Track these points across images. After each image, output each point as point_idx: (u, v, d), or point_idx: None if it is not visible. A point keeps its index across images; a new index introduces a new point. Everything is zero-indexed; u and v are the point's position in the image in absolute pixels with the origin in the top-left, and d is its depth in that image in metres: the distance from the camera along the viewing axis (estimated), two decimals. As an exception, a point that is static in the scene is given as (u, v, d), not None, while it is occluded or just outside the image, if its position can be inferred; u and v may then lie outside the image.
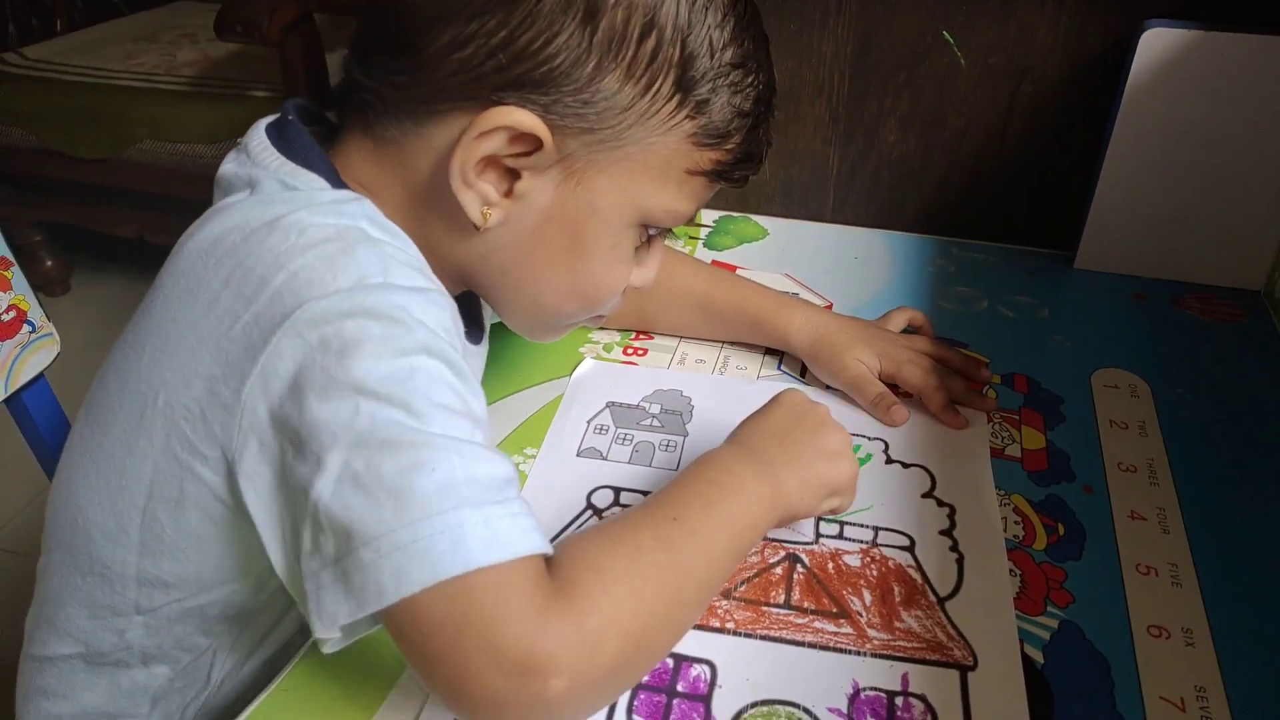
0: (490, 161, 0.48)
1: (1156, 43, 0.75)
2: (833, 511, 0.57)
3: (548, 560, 0.42)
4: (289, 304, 0.42)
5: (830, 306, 0.78)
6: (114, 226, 1.83)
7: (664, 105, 0.48)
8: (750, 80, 0.50)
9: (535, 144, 0.47)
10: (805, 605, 0.53)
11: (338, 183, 0.49)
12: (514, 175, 0.49)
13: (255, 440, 0.43)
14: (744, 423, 0.57)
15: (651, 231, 0.54)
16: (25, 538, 1.45)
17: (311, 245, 0.44)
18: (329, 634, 0.40)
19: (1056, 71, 0.82)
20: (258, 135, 0.50)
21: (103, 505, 0.49)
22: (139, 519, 0.49)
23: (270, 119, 0.52)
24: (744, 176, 0.54)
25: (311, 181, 0.48)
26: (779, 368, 0.73)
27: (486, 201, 0.49)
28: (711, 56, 0.48)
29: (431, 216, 0.51)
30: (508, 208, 0.50)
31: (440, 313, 0.45)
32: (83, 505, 0.50)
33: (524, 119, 0.46)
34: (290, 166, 0.49)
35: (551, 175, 0.49)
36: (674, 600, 0.45)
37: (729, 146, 0.51)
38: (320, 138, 0.52)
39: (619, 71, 0.47)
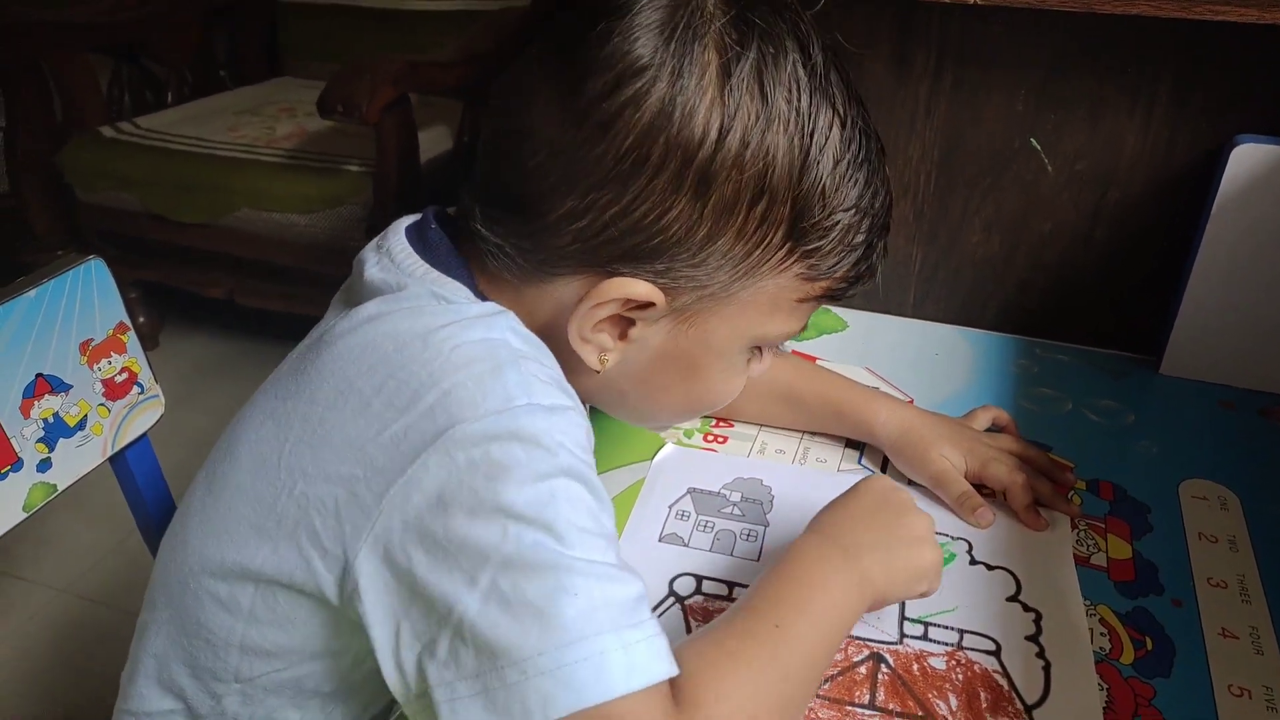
0: (606, 319, 0.51)
1: (1247, 157, 0.76)
2: (921, 596, 0.57)
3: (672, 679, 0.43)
4: (441, 423, 0.44)
5: (911, 402, 0.79)
6: (206, 288, 1.91)
7: (775, 254, 0.50)
8: (863, 216, 0.51)
9: (650, 304, 0.50)
10: (890, 707, 0.53)
11: (476, 292, 0.52)
12: (629, 322, 0.52)
13: (383, 546, 0.45)
14: (826, 509, 0.57)
15: (768, 350, 0.58)
16: (100, 585, 1.49)
17: (463, 365, 0.46)
18: None
19: (1144, 180, 0.83)
20: (398, 237, 0.53)
21: (218, 575, 0.51)
22: (252, 590, 0.50)
23: (411, 220, 0.55)
24: (857, 292, 0.55)
25: (459, 292, 0.51)
26: (859, 461, 0.74)
27: (603, 349, 0.52)
28: (824, 205, 0.49)
29: (550, 346, 0.53)
30: (624, 350, 0.53)
31: (578, 431, 0.47)
32: (196, 571, 0.52)
33: (639, 289, 0.49)
34: (436, 275, 0.51)
35: (665, 323, 0.52)
36: (784, 709, 0.47)
37: (838, 275, 0.53)
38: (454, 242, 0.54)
39: (730, 234, 0.49)
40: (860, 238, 0.52)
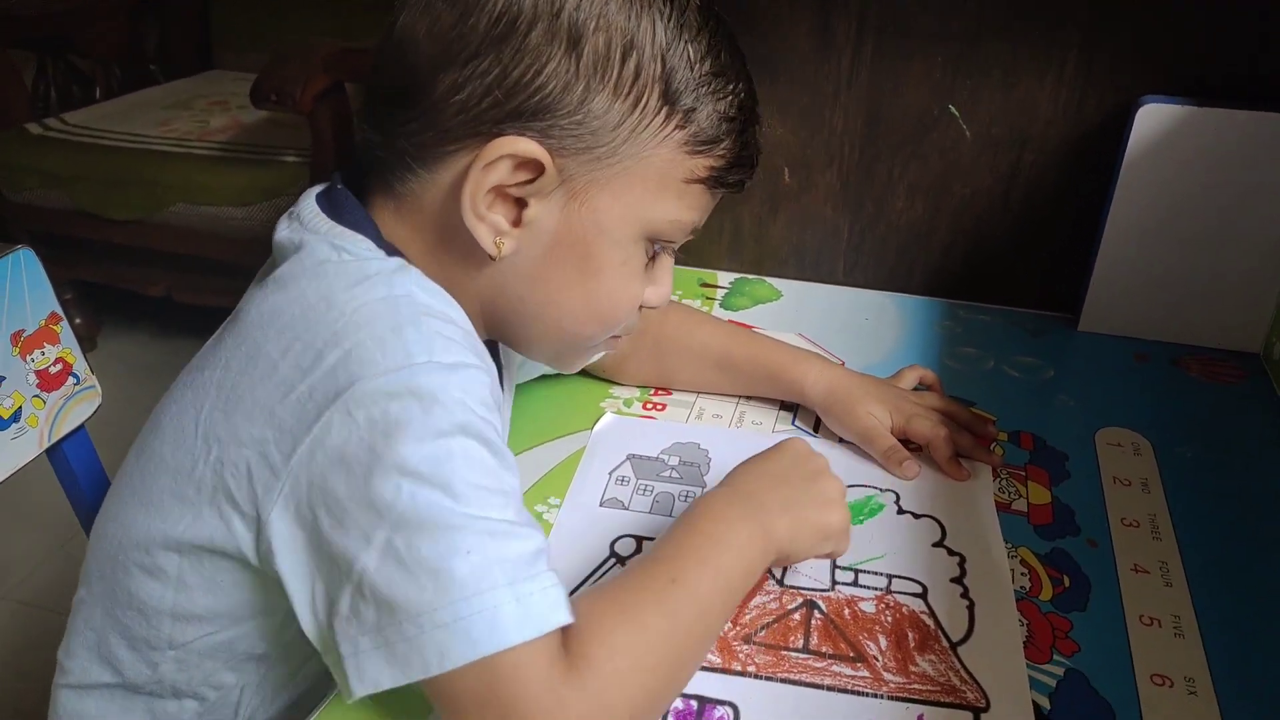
0: (498, 193, 0.51)
1: (1151, 118, 0.79)
2: (828, 556, 0.59)
3: (564, 628, 0.45)
4: (342, 382, 0.46)
5: (843, 364, 0.81)
6: (144, 286, 1.88)
7: (653, 118, 0.51)
8: (731, 88, 0.53)
9: (538, 169, 0.50)
10: (823, 650, 0.55)
11: (380, 241, 0.53)
12: (521, 205, 0.52)
13: (294, 504, 0.46)
14: (742, 465, 0.59)
15: (658, 247, 0.57)
16: (43, 590, 1.47)
17: (364, 324, 0.47)
18: (365, 693, 0.44)
19: (1056, 143, 0.86)
20: (308, 201, 0.54)
21: (145, 545, 0.53)
22: (178, 558, 0.52)
23: (320, 187, 0.56)
24: (739, 182, 0.56)
25: (358, 243, 0.52)
26: (793, 423, 0.76)
27: (498, 231, 0.52)
28: (691, 69, 0.51)
29: (450, 258, 0.54)
30: (519, 236, 0.53)
31: (480, 389, 0.48)
32: (125, 544, 0.53)
33: (525, 146, 0.49)
34: (338, 229, 0.52)
35: (556, 199, 0.52)
36: (676, 662, 0.49)
37: (720, 152, 0.54)
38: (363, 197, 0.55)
39: (607, 91, 0.50)
40: (733, 110, 0.53)
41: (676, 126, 0.52)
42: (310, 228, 0.53)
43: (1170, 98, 0.79)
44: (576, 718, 0.43)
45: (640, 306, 0.59)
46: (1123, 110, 0.82)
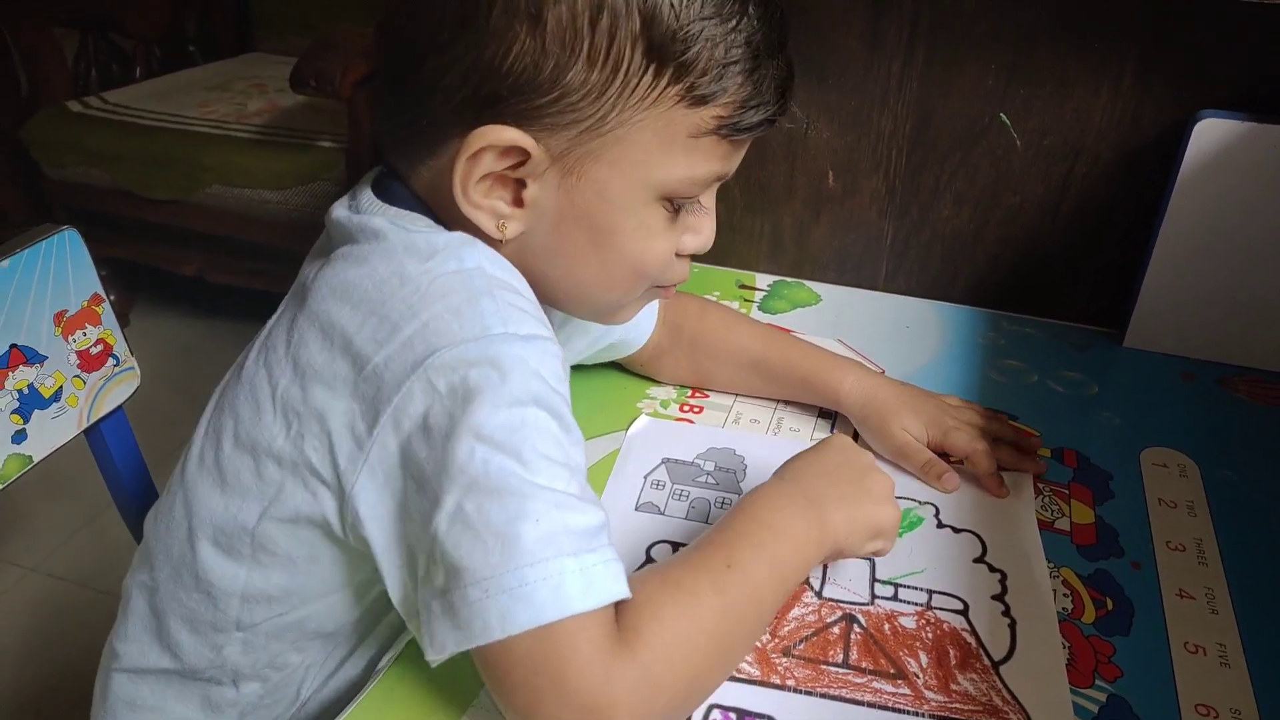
0: (495, 178, 0.50)
1: (1209, 133, 0.77)
2: (876, 554, 0.59)
3: (618, 603, 0.45)
4: (420, 352, 0.46)
5: (883, 373, 0.80)
6: (177, 265, 1.89)
7: (639, 78, 0.48)
8: (733, 25, 0.48)
9: (524, 154, 0.49)
10: (863, 665, 0.54)
11: (436, 219, 0.53)
12: (520, 185, 0.51)
13: (381, 474, 0.47)
14: (793, 460, 0.59)
15: (680, 202, 0.54)
16: (72, 564, 1.48)
17: (439, 297, 0.47)
18: (439, 658, 0.44)
19: (1110, 155, 0.84)
20: (365, 189, 0.55)
21: (220, 524, 0.53)
22: (254, 535, 0.52)
23: (373, 173, 0.56)
24: (762, 123, 0.51)
25: (418, 220, 0.52)
26: (831, 431, 0.75)
27: (499, 215, 0.51)
28: (676, 16, 0.47)
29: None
30: (523, 217, 0.52)
31: (552, 361, 0.48)
32: (195, 525, 0.54)
33: (503, 135, 0.48)
34: (394, 210, 0.53)
35: (552, 176, 0.50)
36: (727, 644, 0.49)
37: (727, 100, 0.49)
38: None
39: (580, 63, 0.47)
40: (737, 50, 0.48)
41: (669, 82, 0.48)
42: (369, 210, 0.53)
43: (1229, 112, 0.78)
44: (624, 691, 0.43)
45: (680, 255, 0.57)
46: (1179, 124, 0.81)
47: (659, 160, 0.50)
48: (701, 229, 0.57)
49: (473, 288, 0.48)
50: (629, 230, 0.53)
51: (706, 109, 0.49)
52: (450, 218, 0.53)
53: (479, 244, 0.51)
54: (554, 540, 0.43)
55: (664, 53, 0.47)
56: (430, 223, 0.52)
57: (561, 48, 0.46)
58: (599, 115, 0.48)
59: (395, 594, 0.47)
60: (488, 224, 0.51)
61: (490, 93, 0.48)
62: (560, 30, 0.46)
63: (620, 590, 0.45)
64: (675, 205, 0.53)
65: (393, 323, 0.47)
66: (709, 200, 0.56)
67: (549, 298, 0.57)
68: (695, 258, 0.60)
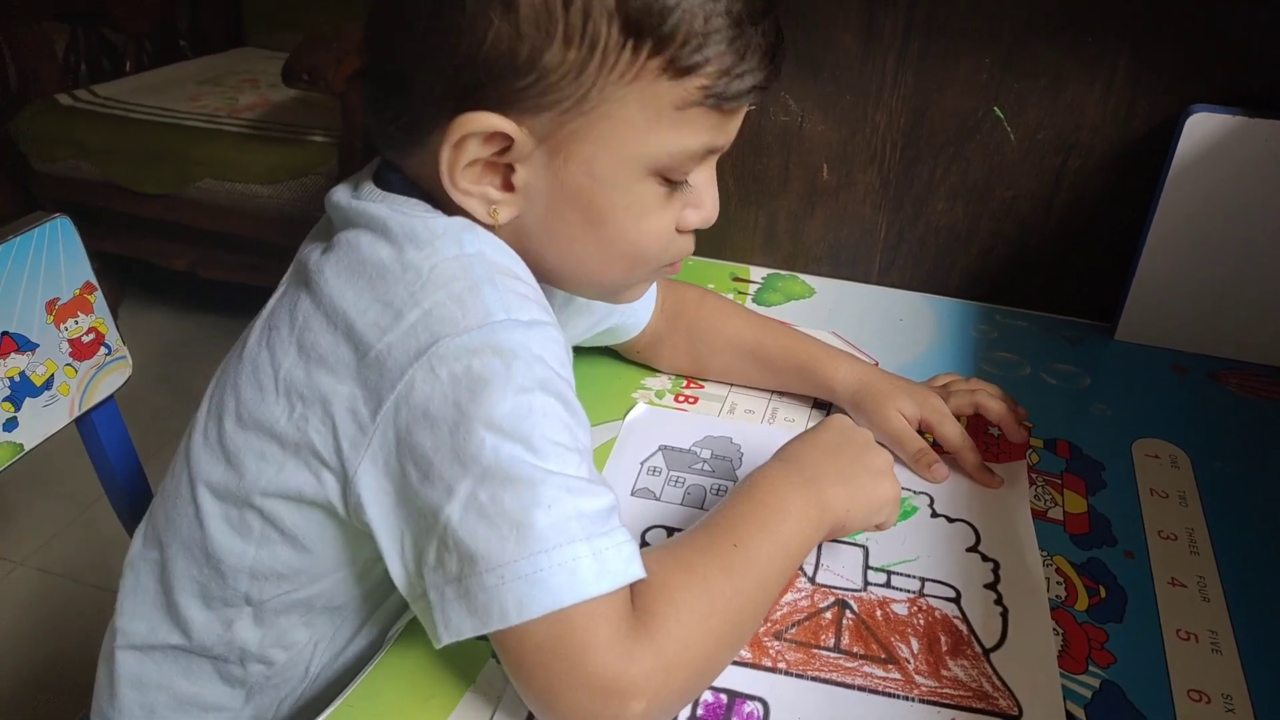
0: (483, 164, 0.50)
1: (1200, 127, 0.78)
2: (877, 529, 0.59)
3: (632, 585, 0.46)
4: (424, 340, 0.46)
5: (876, 364, 0.81)
6: (167, 259, 1.89)
7: (619, 54, 0.47)
8: None
9: (508, 139, 0.48)
10: (855, 650, 0.54)
11: (435, 204, 0.53)
12: (509, 169, 0.50)
13: (381, 459, 0.47)
14: (792, 441, 0.59)
15: (675, 177, 0.52)
16: (62, 558, 1.48)
17: (442, 284, 0.47)
18: (450, 641, 0.45)
19: (1103, 149, 0.85)
20: (365, 176, 0.55)
21: (227, 502, 0.53)
22: (261, 513, 0.52)
23: (374, 164, 0.56)
24: (750, 90, 0.50)
25: (417, 205, 0.52)
26: (826, 422, 0.75)
27: (490, 201, 0.51)
28: None
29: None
30: (515, 201, 0.51)
31: (555, 345, 0.49)
32: (202, 503, 0.54)
33: (484, 121, 0.48)
34: (393, 196, 0.53)
35: (539, 159, 0.50)
36: (736, 623, 0.50)
37: (709, 69, 0.48)
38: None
39: (556, 44, 0.46)
40: (718, 19, 0.47)
41: (649, 55, 0.47)
42: (369, 196, 0.53)
43: (1220, 107, 0.78)
44: (641, 672, 0.44)
45: (682, 230, 0.56)
46: (1171, 119, 0.81)
47: (646, 135, 0.49)
48: (703, 203, 0.55)
49: (474, 274, 0.48)
50: (622, 208, 0.52)
51: (690, 80, 0.48)
52: (448, 203, 0.53)
53: (478, 229, 0.51)
54: (566, 525, 0.44)
55: (641, 27, 0.46)
56: (429, 207, 0.52)
57: (536, 29, 0.46)
58: (580, 94, 0.48)
59: (398, 576, 0.48)
60: (479, 210, 0.51)
61: (469, 80, 0.47)
62: (533, 12, 0.46)
63: (635, 571, 0.45)
64: (671, 180, 0.53)
65: (395, 309, 0.47)
66: (708, 173, 0.55)
67: (552, 279, 0.57)
68: (694, 252, 0.60)
